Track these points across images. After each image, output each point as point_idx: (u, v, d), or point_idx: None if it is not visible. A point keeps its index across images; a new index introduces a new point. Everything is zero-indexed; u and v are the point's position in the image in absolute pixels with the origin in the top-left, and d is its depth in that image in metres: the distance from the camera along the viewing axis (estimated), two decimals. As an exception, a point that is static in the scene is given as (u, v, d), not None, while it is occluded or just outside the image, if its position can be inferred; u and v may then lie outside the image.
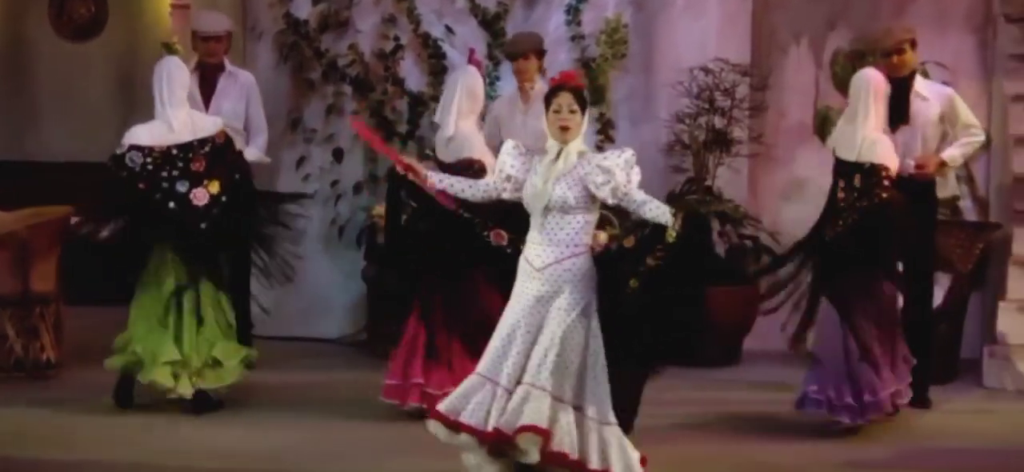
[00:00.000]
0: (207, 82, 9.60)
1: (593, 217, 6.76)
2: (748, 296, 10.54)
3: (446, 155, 8.64)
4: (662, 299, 6.60)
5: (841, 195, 8.49)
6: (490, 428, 6.62)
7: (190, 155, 8.59)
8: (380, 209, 10.33)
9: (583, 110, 6.79)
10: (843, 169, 8.51)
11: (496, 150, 7.34)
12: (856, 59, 9.45)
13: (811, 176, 10.42)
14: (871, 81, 8.57)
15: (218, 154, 8.64)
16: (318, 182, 11.08)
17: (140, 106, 10.10)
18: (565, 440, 6.61)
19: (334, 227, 11.09)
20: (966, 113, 9.06)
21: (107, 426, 8.44)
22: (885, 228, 8.40)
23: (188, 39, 10.27)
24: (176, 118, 8.62)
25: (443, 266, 8.34)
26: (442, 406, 6.74)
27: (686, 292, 6.68)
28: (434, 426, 6.74)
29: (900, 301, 8.74)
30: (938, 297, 9.92)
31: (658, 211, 6.69)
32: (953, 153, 9.06)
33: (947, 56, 10.68)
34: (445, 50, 10.93)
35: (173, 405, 8.71)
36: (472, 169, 8.25)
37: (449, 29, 10.93)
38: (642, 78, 10.90)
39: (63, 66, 12.29)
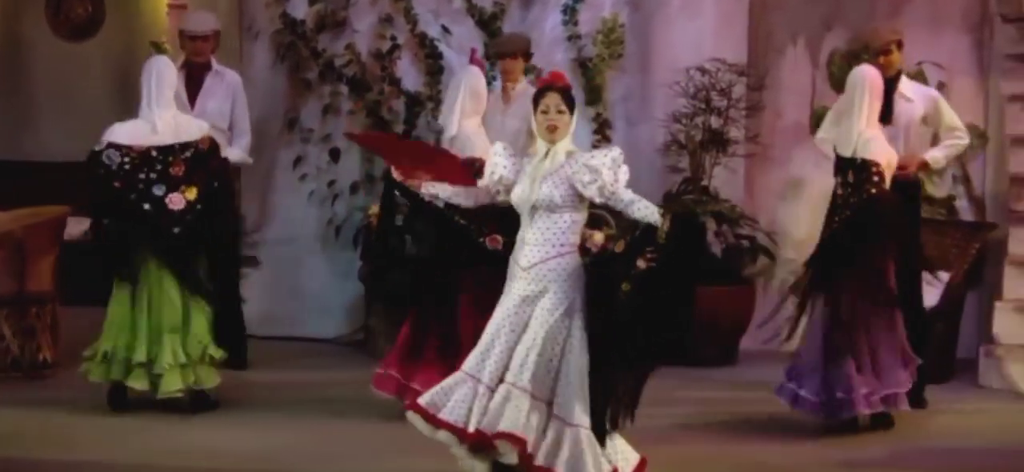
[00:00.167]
0: (193, 81, 9.59)
1: (581, 216, 6.76)
2: (745, 296, 10.58)
3: None
4: (655, 300, 6.59)
5: (839, 191, 8.52)
6: (471, 428, 6.63)
7: (170, 159, 8.57)
8: (376, 209, 10.34)
9: (571, 110, 6.79)
10: (841, 166, 8.53)
11: None
12: (852, 59, 9.46)
13: (808, 176, 10.44)
14: (867, 78, 8.58)
15: (199, 160, 8.60)
16: (315, 182, 11.09)
17: (137, 106, 10.08)
18: (539, 445, 6.63)
19: (330, 227, 11.09)
20: (950, 115, 9.07)
21: (103, 426, 8.43)
22: (874, 223, 8.41)
23: (185, 38, 10.27)
24: (160, 119, 8.60)
25: (437, 271, 8.36)
26: (423, 400, 6.74)
27: (679, 292, 6.67)
28: (414, 418, 6.75)
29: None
30: (934, 297, 9.95)
31: (647, 211, 6.68)
32: (936, 154, 9.07)
33: (943, 56, 10.69)
34: (442, 50, 10.94)
35: (169, 405, 8.71)
36: (475, 168, 8.26)
37: (446, 29, 10.94)
38: (638, 78, 10.90)
39: (60, 66, 12.28)
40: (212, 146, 8.70)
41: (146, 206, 8.53)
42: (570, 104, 6.78)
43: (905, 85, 9.10)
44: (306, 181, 11.11)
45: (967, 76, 10.79)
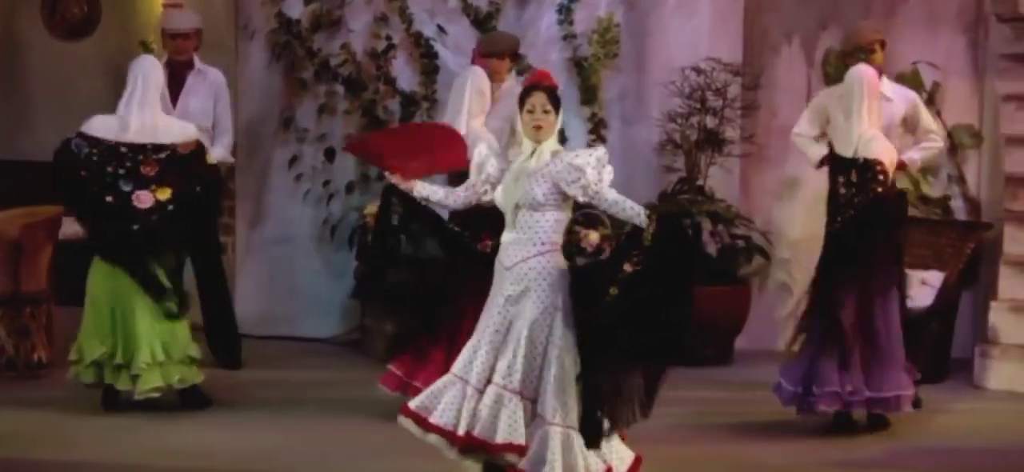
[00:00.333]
0: (176, 79, 9.56)
1: (564, 215, 6.75)
2: (740, 295, 10.58)
3: None
4: (642, 301, 6.58)
5: (841, 191, 8.51)
6: (461, 432, 6.63)
7: (141, 158, 8.57)
8: (372, 208, 10.34)
9: (557, 110, 6.80)
10: (841, 166, 8.53)
11: None
12: (846, 58, 9.43)
13: (803, 176, 10.43)
14: (865, 78, 8.58)
15: (177, 163, 8.60)
16: (310, 182, 11.08)
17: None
18: (531, 449, 6.64)
19: (326, 227, 11.09)
20: (927, 118, 9.07)
21: (98, 426, 8.43)
22: (880, 222, 8.43)
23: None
24: (137, 118, 8.60)
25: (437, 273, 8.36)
26: (413, 404, 6.75)
27: (672, 292, 6.66)
28: (405, 422, 6.75)
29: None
30: (929, 297, 9.95)
31: (632, 211, 6.68)
32: (912, 156, 9.06)
33: (938, 56, 10.70)
34: (437, 50, 10.93)
35: (163, 405, 8.71)
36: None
37: (441, 28, 10.93)
38: (634, 77, 10.90)
39: (56, 65, 12.25)
40: (196, 151, 8.67)
41: (109, 199, 8.53)
42: (556, 104, 6.79)
43: (885, 85, 9.08)
44: (302, 181, 11.10)
45: (962, 76, 10.80)
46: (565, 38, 10.87)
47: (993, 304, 9.99)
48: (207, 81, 9.77)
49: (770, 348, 10.84)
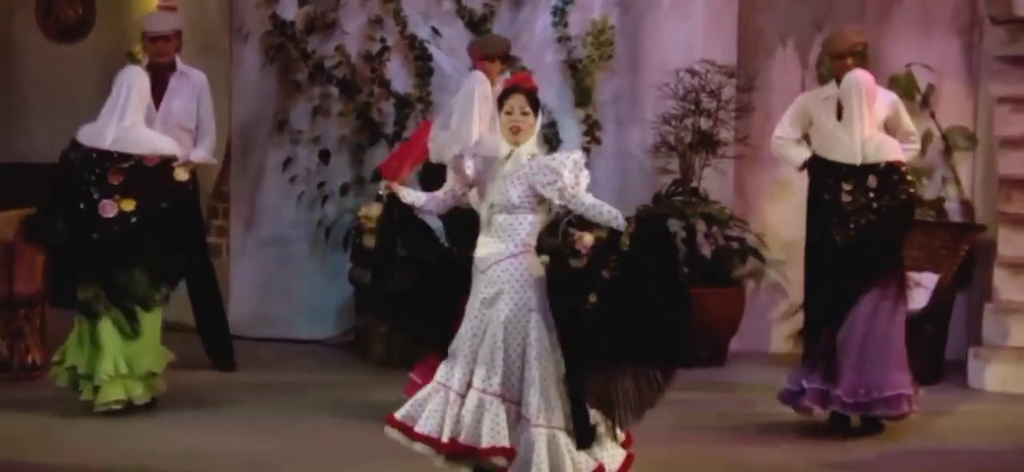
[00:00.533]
0: (158, 82, 9.54)
1: (539, 218, 6.74)
2: (734, 297, 10.58)
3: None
4: (622, 305, 6.59)
5: (847, 199, 8.46)
6: (445, 438, 6.65)
7: (107, 166, 8.60)
8: (366, 210, 10.31)
9: (536, 113, 6.79)
10: (841, 172, 8.48)
11: None
12: (836, 62, 9.40)
13: (797, 177, 10.38)
14: (862, 82, 8.56)
15: (142, 174, 8.61)
16: (304, 184, 11.09)
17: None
18: (516, 447, 6.65)
19: (321, 229, 11.09)
20: (907, 121, 9.03)
21: (90, 428, 8.43)
22: (905, 226, 8.50)
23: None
24: (118, 127, 8.63)
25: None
26: (399, 414, 6.76)
27: (655, 293, 6.66)
28: (392, 432, 6.77)
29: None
30: (924, 299, 9.96)
31: (609, 215, 6.66)
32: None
33: (932, 58, 10.71)
34: (432, 52, 10.93)
35: (154, 407, 8.74)
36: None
37: (436, 31, 10.93)
38: (628, 80, 10.90)
39: (51, 67, 12.26)
40: (161, 167, 8.65)
41: (82, 205, 8.59)
42: (535, 106, 6.78)
43: None
44: (296, 183, 11.11)
45: (956, 78, 10.80)
46: (559, 40, 10.88)
47: (987, 306, 10.00)
48: (190, 82, 9.75)
49: (764, 350, 10.87)
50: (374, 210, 10.12)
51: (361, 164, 11.02)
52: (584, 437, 6.68)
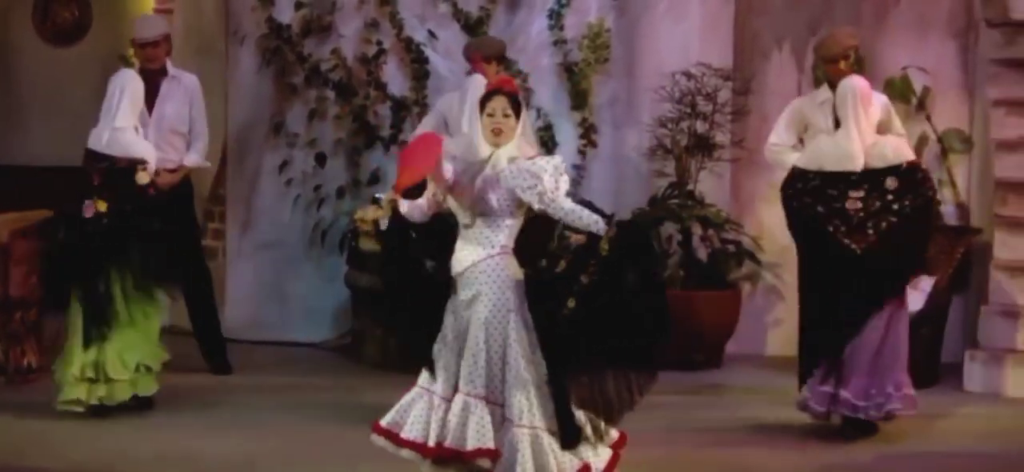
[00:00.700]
0: (150, 87, 9.53)
1: (517, 222, 6.74)
2: (730, 300, 10.58)
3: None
4: (599, 310, 6.61)
5: (856, 206, 8.45)
6: (432, 443, 6.66)
7: (91, 168, 8.69)
8: (362, 213, 10.34)
9: (517, 115, 6.79)
10: (855, 179, 8.44)
11: None
12: (829, 66, 9.41)
13: (793, 181, 10.43)
14: (857, 88, 8.55)
15: (115, 176, 8.64)
16: (300, 186, 11.09)
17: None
18: (501, 448, 6.65)
19: (317, 232, 11.08)
20: (898, 123, 9.02)
21: (86, 431, 8.42)
22: (932, 223, 8.61)
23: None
24: (104, 130, 8.67)
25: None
26: (385, 421, 6.78)
27: (640, 299, 6.68)
28: (378, 440, 6.79)
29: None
30: (920, 301, 9.95)
31: (589, 220, 6.66)
32: None
33: (928, 61, 10.71)
34: (428, 55, 10.93)
35: (153, 410, 8.74)
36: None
37: (432, 34, 10.93)
38: (624, 83, 10.91)
39: (46, 70, 12.27)
40: (127, 169, 8.64)
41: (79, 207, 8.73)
42: (517, 109, 6.78)
43: None
44: (292, 186, 11.11)
45: (952, 81, 10.81)
46: (556, 43, 10.87)
47: (983, 309, 10.00)
48: (182, 86, 9.74)
49: (760, 353, 10.87)
50: (370, 213, 10.17)
51: (357, 167, 11.02)
52: (569, 438, 6.69)
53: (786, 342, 10.37)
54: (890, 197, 8.42)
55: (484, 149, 6.76)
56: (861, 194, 8.43)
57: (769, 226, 10.79)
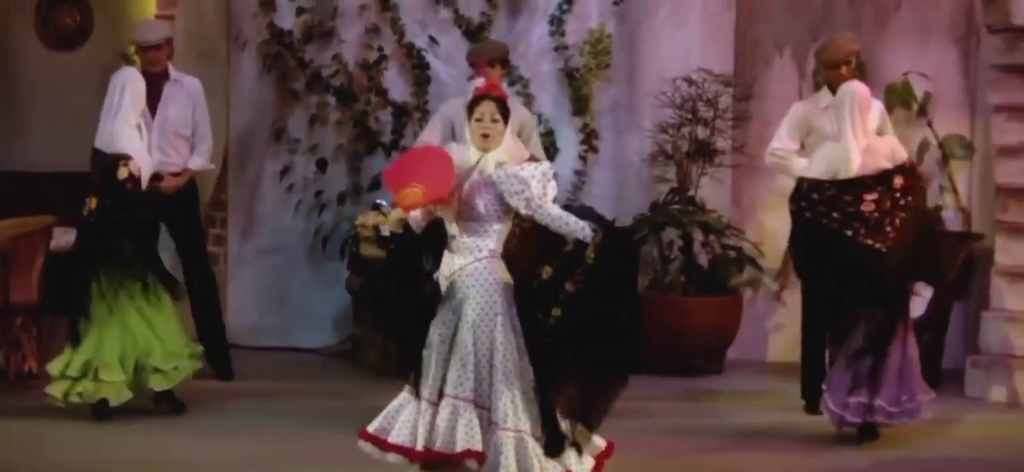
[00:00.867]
0: (153, 90, 9.53)
1: (504, 226, 6.76)
2: (731, 306, 10.58)
3: None
4: (584, 319, 6.62)
5: (871, 208, 8.46)
6: (419, 446, 6.67)
7: (92, 164, 8.74)
8: (363, 219, 10.33)
9: (505, 121, 6.82)
10: (869, 183, 8.45)
11: None
12: (830, 71, 9.42)
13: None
14: (856, 93, 8.56)
15: (103, 171, 8.66)
16: (302, 192, 11.08)
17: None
18: (488, 451, 6.66)
19: (318, 237, 11.08)
20: (891, 129, 9.09)
21: (87, 436, 8.43)
22: (931, 220, 8.69)
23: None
24: (109, 127, 8.69)
25: None
26: (372, 426, 6.82)
27: (614, 306, 6.70)
28: (364, 447, 6.81)
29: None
30: (921, 307, 9.94)
31: (575, 226, 6.68)
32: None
33: (929, 66, 10.70)
34: (429, 61, 10.93)
35: (152, 414, 8.75)
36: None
37: (433, 40, 10.93)
38: (625, 88, 10.90)
39: (48, 76, 12.25)
40: (112, 163, 8.64)
41: None
42: (504, 114, 6.81)
43: None
44: (293, 191, 11.10)
45: (953, 86, 10.81)
46: (557, 49, 10.87)
47: (984, 315, 9.99)
48: (184, 89, 9.75)
49: (761, 359, 10.87)
50: (371, 218, 10.17)
51: (358, 173, 11.02)
52: (553, 445, 6.70)
53: (787, 348, 10.37)
54: (898, 195, 8.47)
55: (472, 154, 6.78)
56: (875, 196, 8.46)
57: (770, 232, 10.78)
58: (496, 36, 10.78)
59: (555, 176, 6.89)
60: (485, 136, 6.77)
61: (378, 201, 10.12)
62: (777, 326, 10.93)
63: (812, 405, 8.96)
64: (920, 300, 9.75)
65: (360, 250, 10.40)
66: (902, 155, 8.59)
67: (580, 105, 10.86)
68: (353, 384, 9.87)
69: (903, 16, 10.87)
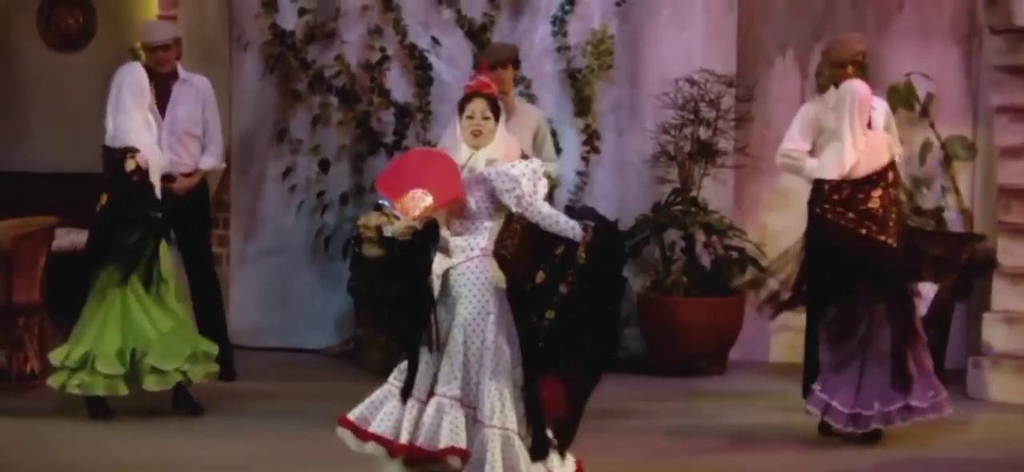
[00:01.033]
0: (161, 90, 9.54)
1: (495, 224, 6.77)
2: (733, 307, 10.58)
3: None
4: (577, 321, 6.63)
5: (876, 204, 8.48)
6: (403, 440, 6.66)
7: (103, 161, 8.77)
8: (366, 219, 10.33)
9: (496, 118, 6.83)
10: (874, 179, 8.50)
11: None
12: (837, 71, 9.42)
13: (796, 187, 10.38)
14: (857, 91, 8.57)
15: (112, 167, 8.68)
16: (304, 193, 11.09)
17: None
18: (474, 448, 6.66)
19: (320, 238, 11.09)
20: (895, 129, 9.10)
21: (88, 436, 8.43)
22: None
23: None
24: (113, 123, 8.72)
25: None
26: (352, 414, 6.80)
27: (612, 307, 6.72)
28: (343, 434, 6.79)
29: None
30: (923, 308, 9.94)
31: (565, 225, 6.70)
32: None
33: (932, 67, 10.71)
34: (431, 61, 10.94)
35: (154, 414, 8.74)
36: None
37: (435, 40, 10.93)
38: (628, 89, 10.91)
39: (51, 77, 12.26)
40: (122, 156, 8.64)
41: None
42: (495, 112, 6.83)
43: None
44: (296, 192, 11.11)
45: (956, 87, 10.81)
46: (559, 50, 10.88)
47: (986, 315, 9.99)
48: (193, 89, 9.77)
49: (763, 359, 10.87)
50: (373, 219, 10.18)
51: (361, 173, 11.02)
52: (539, 448, 6.70)
53: (789, 348, 10.38)
54: (892, 190, 8.51)
55: (463, 151, 6.79)
56: (879, 192, 8.49)
57: (772, 232, 10.78)
58: (498, 37, 10.79)
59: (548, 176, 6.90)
60: (476, 133, 6.79)
61: (380, 202, 10.12)
62: (779, 326, 10.88)
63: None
64: (921, 301, 9.77)
65: (362, 251, 10.40)
66: (896, 150, 8.69)
67: (582, 106, 10.86)
68: (355, 385, 9.77)
69: (905, 17, 10.87)
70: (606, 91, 10.91)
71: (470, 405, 6.69)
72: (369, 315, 10.45)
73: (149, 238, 8.69)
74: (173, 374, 8.71)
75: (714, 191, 10.69)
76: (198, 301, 9.84)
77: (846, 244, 8.52)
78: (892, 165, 8.57)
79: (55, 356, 8.71)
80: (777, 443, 8.56)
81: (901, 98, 10.49)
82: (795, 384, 9.30)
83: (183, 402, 8.89)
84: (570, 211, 9.67)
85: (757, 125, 10.86)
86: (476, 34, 10.87)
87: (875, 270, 8.48)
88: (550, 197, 9.95)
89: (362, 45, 11.02)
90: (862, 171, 8.50)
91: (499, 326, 6.69)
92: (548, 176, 9.96)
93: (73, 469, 7.84)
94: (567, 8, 10.85)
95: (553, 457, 6.78)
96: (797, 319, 9.62)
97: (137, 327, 8.68)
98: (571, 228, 6.68)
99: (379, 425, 6.72)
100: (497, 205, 6.72)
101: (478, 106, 6.80)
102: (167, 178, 9.09)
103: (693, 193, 10.60)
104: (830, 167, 8.59)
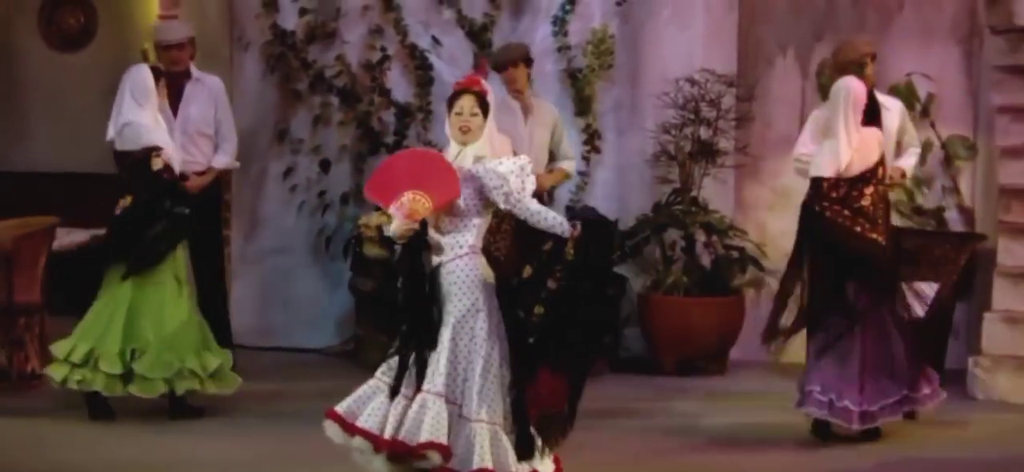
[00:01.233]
0: (174, 90, 9.58)
1: (483, 221, 6.76)
2: (734, 306, 10.58)
3: None
4: (565, 317, 6.64)
5: (868, 201, 8.49)
6: (387, 435, 6.66)
7: (118, 165, 8.77)
8: (366, 219, 10.34)
9: (485, 114, 6.83)
10: (867, 176, 8.51)
11: None
12: (840, 72, 9.42)
13: (797, 187, 10.38)
14: (852, 89, 8.57)
15: (134, 169, 8.68)
16: (305, 193, 11.10)
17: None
18: (454, 449, 6.65)
19: (321, 238, 11.10)
20: (912, 127, 9.12)
21: (88, 436, 8.44)
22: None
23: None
24: (117, 126, 8.72)
25: None
26: (340, 408, 6.81)
27: (600, 304, 6.72)
28: (330, 428, 6.79)
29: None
30: (924, 308, 9.94)
31: (554, 221, 6.70)
32: (910, 162, 9.13)
33: (932, 67, 10.71)
34: (432, 61, 10.95)
35: (155, 414, 8.74)
36: None
37: (436, 40, 10.94)
38: (628, 89, 10.91)
39: (52, 76, 12.27)
40: (143, 159, 8.66)
41: None
42: (484, 108, 6.83)
43: (880, 96, 9.10)
44: (296, 192, 11.12)
45: (956, 87, 10.81)
46: (560, 50, 10.89)
47: (987, 315, 9.99)
48: (206, 88, 9.80)
49: (764, 359, 10.84)
50: (374, 219, 10.18)
51: (361, 173, 11.02)
52: (524, 448, 6.70)
53: (790, 348, 10.35)
54: (880, 187, 8.52)
55: (452, 148, 6.80)
56: (871, 189, 8.49)
57: (772, 232, 10.79)
58: (499, 37, 10.82)
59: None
60: (464, 130, 6.79)
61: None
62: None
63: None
64: (921, 301, 9.77)
65: (363, 250, 10.41)
66: (914, 149, 8.80)
67: (583, 106, 10.87)
68: (356, 384, 9.76)
69: (906, 17, 10.88)
70: (607, 91, 10.91)
71: (454, 402, 6.69)
72: (369, 315, 10.46)
73: (173, 235, 8.70)
74: (157, 384, 8.68)
75: (714, 191, 10.69)
76: (203, 300, 9.84)
77: (844, 242, 8.52)
78: (882, 162, 8.57)
79: (58, 349, 8.70)
80: (777, 443, 8.56)
81: (902, 98, 10.45)
82: (795, 384, 9.29)
83: (179, 412, 8.85)
84: (570, 211, 9.73)
85: (758, 125, 10.87)
86: (477, 34, 10.88)
87: (867, 268, 8.48)
88: (551, 195, 10.04)
89: (363, 45, 11.03)
90: (855, 169, 8.51)
91: (489, 323, 6.70)
92: (566, 173, 10.07)
93: (72, 469, 7.85)
94: (568, 8, 10.86)
95: (535, 456, 6.79)
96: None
97: (139, 329, 8.69)
98: (559, 224, 6.68)
99: (367, 420, 6.72)
100: (485, 202, 6.72)
101: (466, 103, 6.81)
102: (180, 177, 9.09)
103: (693, 193, 10.61)
104: (826, 164, 8.58)
